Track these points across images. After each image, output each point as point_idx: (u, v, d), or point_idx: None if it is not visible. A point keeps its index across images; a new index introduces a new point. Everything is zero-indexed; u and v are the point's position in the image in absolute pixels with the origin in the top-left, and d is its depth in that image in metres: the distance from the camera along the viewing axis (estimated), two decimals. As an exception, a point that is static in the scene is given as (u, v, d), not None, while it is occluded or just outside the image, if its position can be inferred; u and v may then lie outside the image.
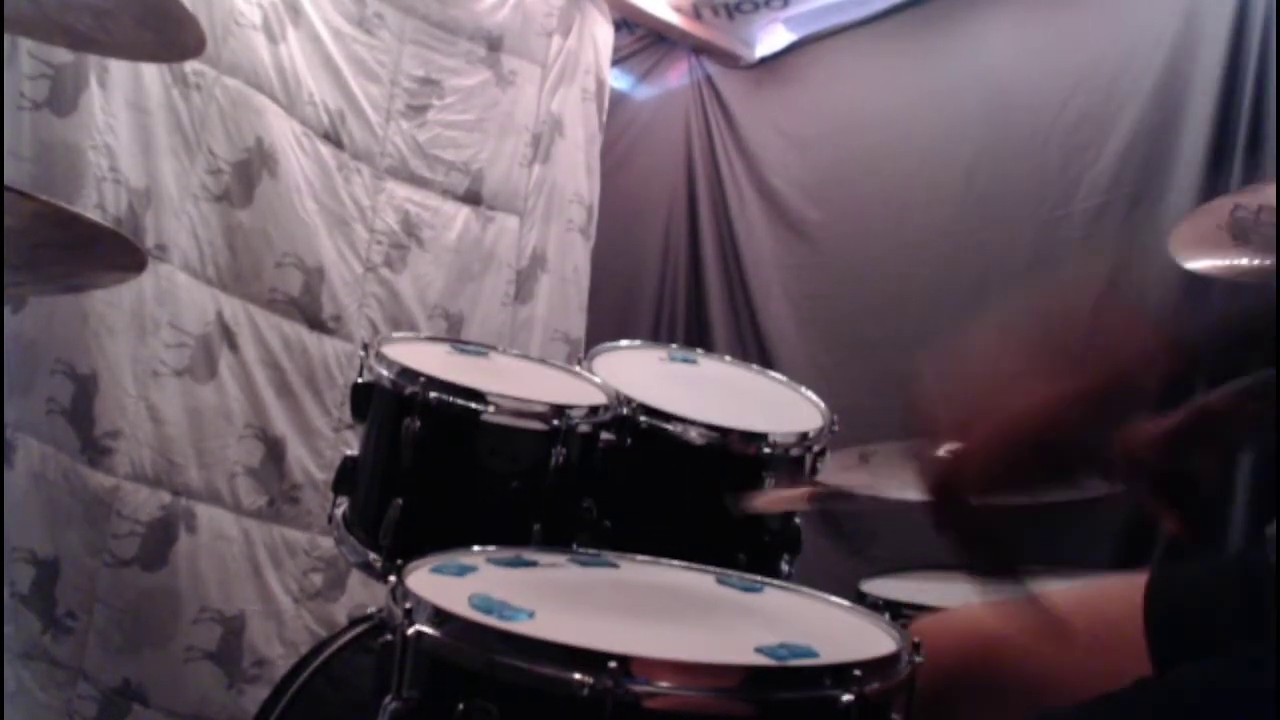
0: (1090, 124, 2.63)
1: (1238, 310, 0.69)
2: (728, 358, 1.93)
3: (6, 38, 1.96)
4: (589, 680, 0.78)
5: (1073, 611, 0.97)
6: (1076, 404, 0.69)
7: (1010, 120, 2.80)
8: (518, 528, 1.36)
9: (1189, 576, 0.94)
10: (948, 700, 0.95)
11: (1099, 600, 0.99)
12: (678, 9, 3.34)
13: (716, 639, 0.98)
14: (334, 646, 1.50)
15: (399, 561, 1.01)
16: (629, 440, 1.44)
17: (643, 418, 1.44)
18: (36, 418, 2.06)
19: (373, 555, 1.41)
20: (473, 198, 2.82)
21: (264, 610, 2.35)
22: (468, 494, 1.39)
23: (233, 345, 2.36)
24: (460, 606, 0.88)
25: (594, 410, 1.43)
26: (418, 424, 1.35)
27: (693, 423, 1.43)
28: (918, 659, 0.88)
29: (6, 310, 2.02)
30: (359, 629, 1.52)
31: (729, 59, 3.52)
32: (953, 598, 1.71)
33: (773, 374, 1.83)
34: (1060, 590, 1.00)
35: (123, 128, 2.17)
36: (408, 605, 0.88)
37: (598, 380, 1.55)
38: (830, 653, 0.87)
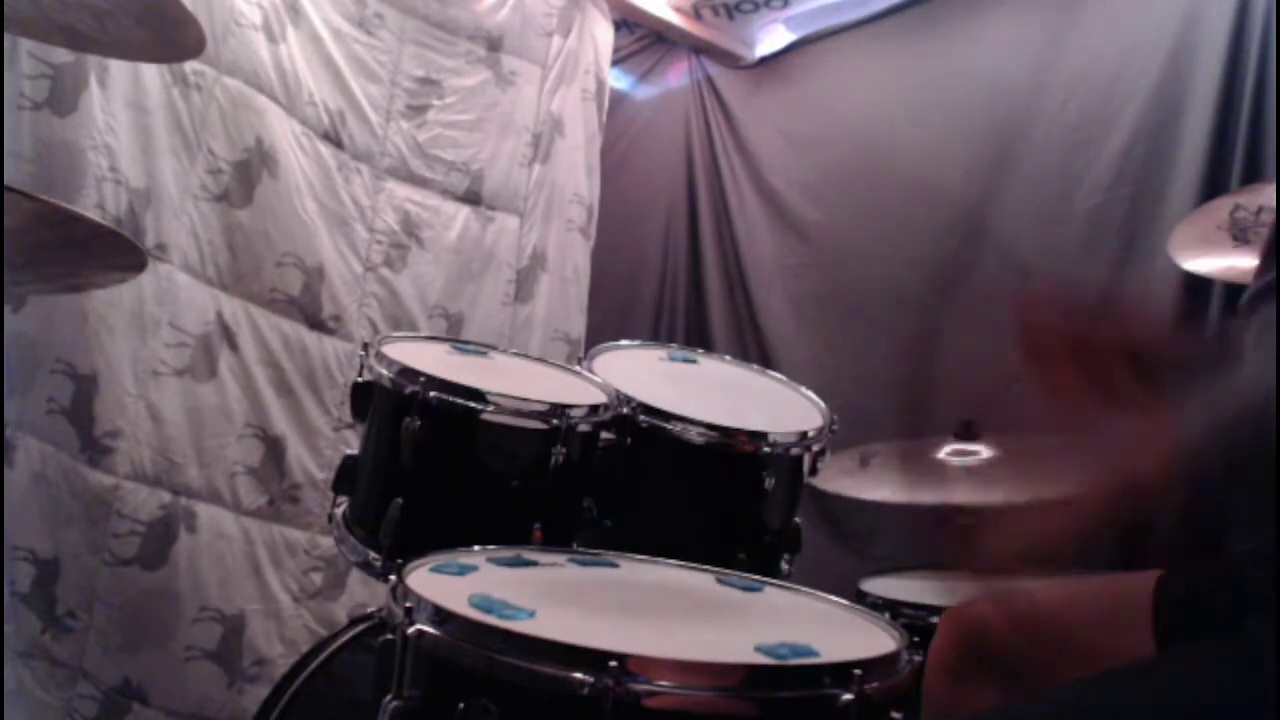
0: (1090, 124, 2.63)
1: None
2: (728, 358, 1.93)
3: (6, 38, 1.96)
4: (589, 679, 0.78)
5: (1087, 599, 0.99)
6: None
7: (1010, 120, 2.80)
8: (517, 527, 1.36)
9: (1198, 571, 0.96)
10: (967, 675, 0.97)
11: (1112, 589, 1.02)
12: (678, 9, 3.34)
13: (716, 638, 0.98)
14: (334, 646, 1.50)
15: (399, 561, 1.01)
16: (629, 440, 1.44)
17: (643, 417, 1.45)
18: (36, 417, 2.06)
19: (373, 554, 1.41)
20: (473, 197, 2.82)
21: (264, 609, 2.35)
22: (468, 493, 1.40)
23: (233, 345, 2.35)
24: (460, 606, 0.88)
25: (594, 409, 1.43)
26: (418, 423, 1.35)
27: (693, 422, 1.43)
28: (917, 658, 0.88)
29: (6, 310, 2.02)
30: (359, 628, 1.52)
31: (729, 59, 3.52)
32: (952, 597, 1.71)
33: (773, 374, 1.83)
34: (1076, 579, 1.03)
35: (123, 128, 2.17)
36: (408, 604, 0.88)
37: (598, 380, 1.55)
38: (830, 652, 0.87)
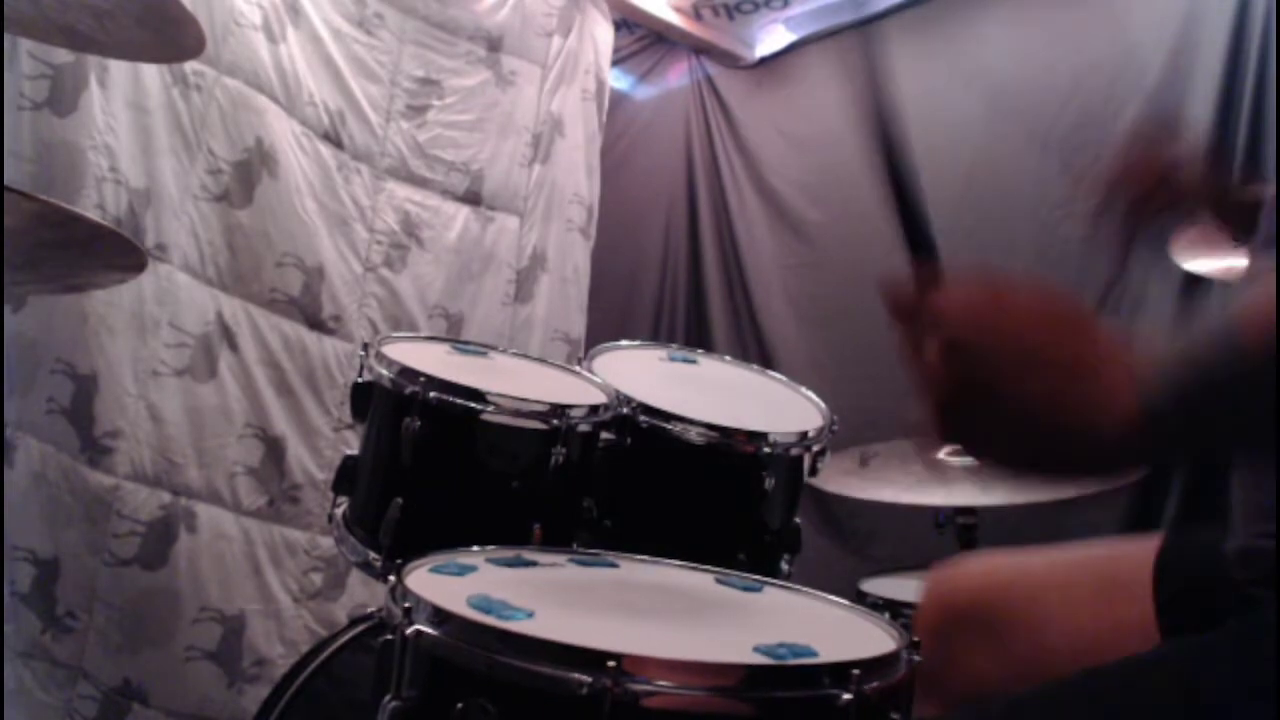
0: (1090, 124, 2.63)
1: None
2: (728, 358, 1.93)
3: (6, 38, 1.96)
4: (588, 679, 0.78)
5: (1083, 565, 0.98)
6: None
7: (1010, 120, 2.81)
8: (517, 527, 1.36)
9: (1200, 544, 0.95)
10: (954, 637, 0.97)
11: (1110, 558, 1.01)
12: (678, 9, 3.34)
13: (716, 638, 0.98)
14: (334, 646, 1.50)
15: (399, 561, 1.01)
16: (629, 440, 1.44)
17: (643, 417, 1.44)
18: (36, 417, 2.06)
19: (372, 555, 1.41)
20: (472, 198, 2.82)
21: (264, 610, 2.35)
22: (468, 493, 1.39)
23: (233, 345, 2.36)
24: (459, 606, 0.88)
25: (594, 410, 1.43)
26: (418, 423, 1.35)
27: (693, 422, 1.43)
28: (916, 658, 0.88)
29: (6, 310, 2.02)
30: (359, 628, 1.52)
31: (729, 59, 3.52)
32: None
33: (773, 374, 1.83)
34: (1073, 547, 1.01)
35: (123, 128, 2.17)
36: (407, 605, 0.88)
37: (598, 380, 1.55)
38: (829, 652, 0.87)
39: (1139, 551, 0.97)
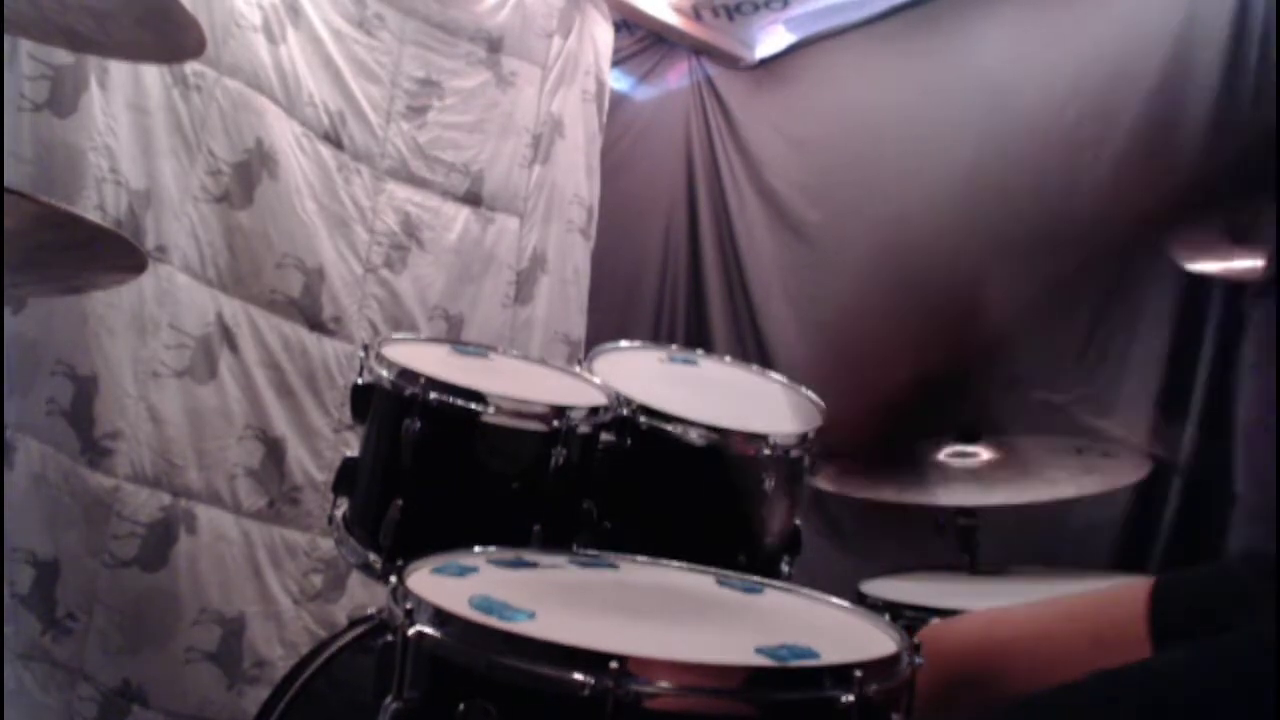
0: (1090, 124, 2.63)
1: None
2: (728, 358, 1.93)
3: (6, 39, 1.96)
4: (590, 681, 0.78)
5: (1080, 613, 0.99)
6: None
7: (1010, 120, 2.80)
8: (518, 528, 1.36)
9: (1194, 579, 0.96)
10: (950, 699, 0.97)
11: (1106, 603, 1.01)
12: (678, 10, 3.34)
13: (717, 640, 0.98)
14: (334, 647, 1.50)
15: (399, 562, 1.01)
16: (629, 441, 1.44)
17: (643, 418, 1.45)
18: (36, 418, 2.06)
19: (373, 556, 1.41)
20: (473, 199, 2.82)
21: (264, 611, 2.35)
22: (468, 495, 1.40)
23: (233, 346, 2.35)
24: (461, 607, 0.88)
25: (594, 411, 1.43)
26: (418, 425, 1.35)
27: (693, 424, 1.43)
28: (918, 660, 0.88)
29: (6, 311, 2.02)
30: (359, 630, 1.52)
31: (729, 60, 3.52)
32: (952, 599, 1.71)
33: (773, 374, 1.83)
34: (1069, 593, 1.02)
35: (123, 129, 2.17)
36: (409, 606, 0.88)
37: (598, 381, 1.55)
38: (831, 654, 0.87)
39: (1127, 595, 0.98)
